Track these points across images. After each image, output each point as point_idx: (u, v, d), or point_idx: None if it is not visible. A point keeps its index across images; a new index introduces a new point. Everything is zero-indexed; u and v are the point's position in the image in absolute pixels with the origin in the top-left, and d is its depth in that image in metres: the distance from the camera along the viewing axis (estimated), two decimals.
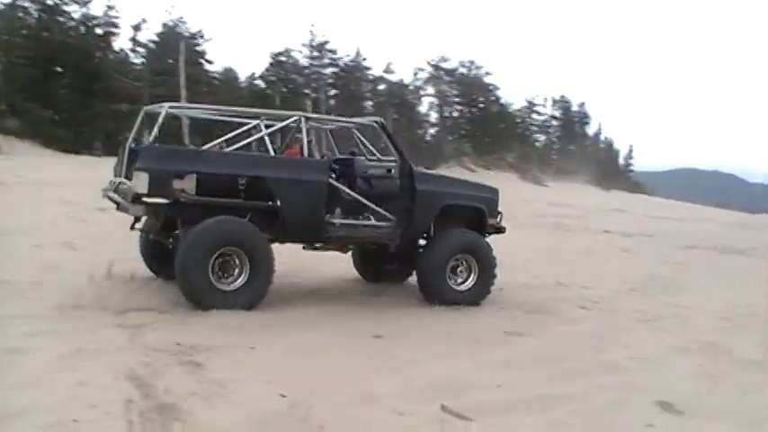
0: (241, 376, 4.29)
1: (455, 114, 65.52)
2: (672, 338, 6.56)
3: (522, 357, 5.42)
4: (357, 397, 4.15)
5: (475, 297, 7.27)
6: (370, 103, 55.04)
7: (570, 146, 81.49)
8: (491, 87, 66.40)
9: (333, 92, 53.07)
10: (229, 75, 41.75)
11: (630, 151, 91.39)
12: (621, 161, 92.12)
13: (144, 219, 6.79)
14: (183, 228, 6.12)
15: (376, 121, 7.25)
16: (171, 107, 6.89)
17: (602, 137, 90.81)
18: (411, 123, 60.14)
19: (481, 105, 65.35)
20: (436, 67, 62.65)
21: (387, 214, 6.91)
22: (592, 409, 4.31)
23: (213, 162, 6.43)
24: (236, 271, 6.13)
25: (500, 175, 55.84)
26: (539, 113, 78.78)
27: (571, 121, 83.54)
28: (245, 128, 6.96)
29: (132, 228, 6.97)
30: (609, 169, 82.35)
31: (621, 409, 4.40)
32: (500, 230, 7.82)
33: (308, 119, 7.02)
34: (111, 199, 6.60)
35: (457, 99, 64.93)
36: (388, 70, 58.36)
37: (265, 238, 6.27)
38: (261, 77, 45.09)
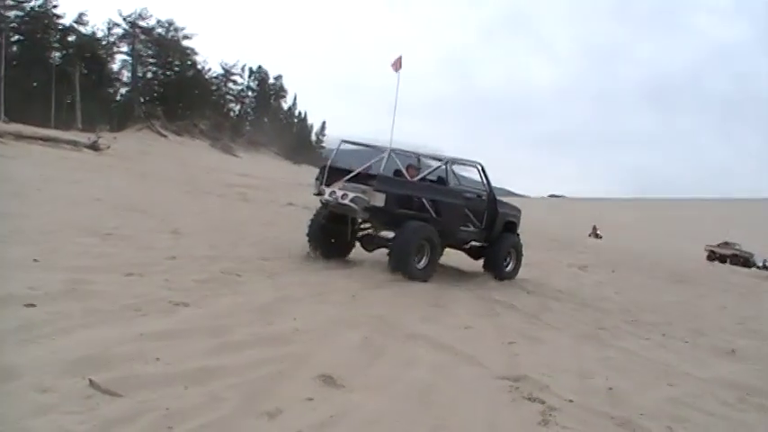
0: None
1: (149, 76, 63.70)
2: (340, 311, 6.75)
3: (187, 328, 5.13)
4: None
5: (514, 274, 11.51)
6: (57, 54, 51.06)
7: (264, 118, 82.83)
8: (188, 51, 65.27)
9: (16, 37, 48.01)
10: None
11: (323, 127, 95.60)
12: (314, 136, 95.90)
13: (318, 209, 10.46)
14: (393, 226, 9.74)
15: (480, 163, 11.11)
16: (344, 141, 10.90)
17: (296, 111, 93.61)
18: (101, 81, 57.57)
19: (177, 69, 64.12)
20: (132, 24, 60.26)
21: (479, 224, 10.93)
22: (252, 383, 4.20)
23: (412, 188, 10.03)
24: (424, 257, 9.68)
25: (191, 142, 54.92)
26: (235, 83, 79.04)
27: (267, 93, 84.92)
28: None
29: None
30: (300, 144, 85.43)
31: (282, 382, 4.34)
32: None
33: (453, 161, 10.80)
34: (336, 204, 9.78)
35: (152, 60, 63.25)
36: (80, 21, 54.99)
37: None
38: None
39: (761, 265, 38.49)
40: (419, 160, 11.11)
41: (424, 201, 9.93)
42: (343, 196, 9.67)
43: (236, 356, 4.66)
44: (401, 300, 7.96)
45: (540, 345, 6.79)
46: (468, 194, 10.98)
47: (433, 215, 9.96)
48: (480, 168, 11.08)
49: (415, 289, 8.77)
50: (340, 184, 9.86)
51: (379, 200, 9.39)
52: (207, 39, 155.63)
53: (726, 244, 41.30)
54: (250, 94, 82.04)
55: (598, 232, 45.42)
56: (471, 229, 10.86)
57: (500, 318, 7.93)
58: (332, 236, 10.44)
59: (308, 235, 10.41)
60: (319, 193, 10.18)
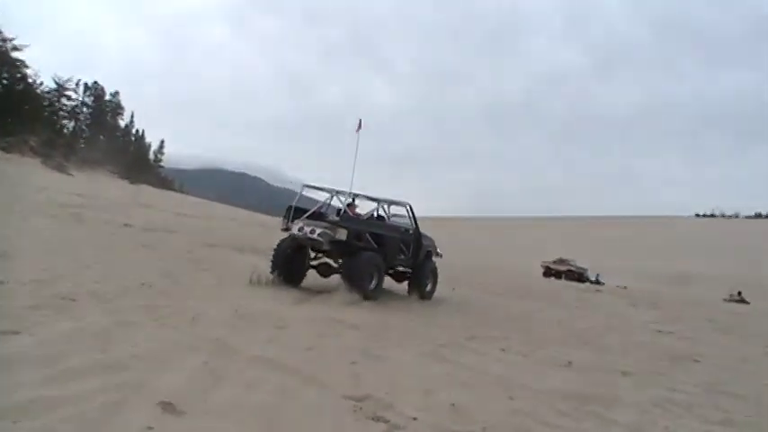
0: None
1: None
2: (180, 335, 6.67)
3: (17, 357, 4.91)
4: None
5: (432, 294, 14.21)
6: None
7: (100, 135, 79.71)
8: (18, 63, 61.36)
9: None
10: None
11: (162, 146, 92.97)
12: (152, 155, 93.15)
13: (283, 239, 12.56)
14: (347, 256, 11.96)
15: (408, 203, 13.46)
16: (305, 186, 13.13)
17: (133, 129, 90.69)
18: None
19: (5, 82, 60.08)
20: None
21: (408, 253, 13.40)
22: (88, 413, 4.09)
23: (365, 225, 12.55)
24: (374, 280, 11.95)
25: (20, 159, 51.59)
26: (69, 98, 75.26)
27: (103, 110, 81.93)
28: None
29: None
30: (138, 162, 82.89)
31: (121, 411, 4.26)
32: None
33: (389, 202, 13.59)
34: (305, 238, 11.76)
35: None
36: None
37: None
38: None
39: (593, 279, 41.20)
40: (354, 200, 13.20)
41: (372, 235, 12.33)
42: (312, 231, 11.72)
43: (71, 386, 4.51)
44: (242, 322, 7.94)
45: (383, 363, 6.98)
46: (402, 229, 13.56)
47: (378, 246, 12.32)
48: (408, 207, 13.57)
49: (255, 309, 8.78)
50: (302, 221, 12.06)
51: (342, 234, 11.69)
52: (40, 51, 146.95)
53: (561, 260, 43.89)
54: (85, 110, 78.72)
55: (438, 251, 46.95)
56: (403, 257, 13.37)
57: (342, 337, 8.07)
58: (293, 264, 12.45)
59: (272, 263, 12.40)
60: (287, 229, 12.35)
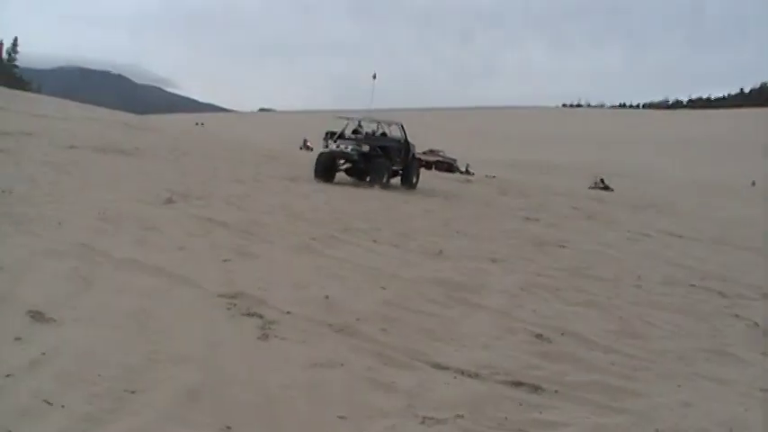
0: None
1: None
2: (44, 242, 6.54)
3: None
4: None
5: (416, 185, 20.55)
6: None
7: None
8: None
9: None
10: None
11: (15, 44, 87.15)
12: (5, 55, 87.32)
13: (320, 153, 19.52)
14: (369, 159, 18.58)
15: (401, 123, 20.67)
16: (338, 116, 21.19)
17: None
18: None
19: None
20: None
21: (402, 156, 19.94)
22: None
23: (378, 141, 19.60)
24: (386, 176, 18.89)
25: None
26: None
27: None
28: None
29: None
30: None
31: None
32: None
33: (387, 123, 21.07)
34: (341, 152, 18.78)
35: None
36: None
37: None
38: None
39: (463, 170, 42.38)
40: (360, 123, 20.38)
41: (381, 146, 19.28)
42: (345, 147, 18.73)
43: None
44: (108, 225, 7.84)
45: (255, 260, 7.13)
46: (398, 142, 20.24)
47: (385, 153, 19.15)
48: (401, 126, 20.61)
49: (121, 211, 8.63)
50: (339, 141, 18.93)
51: (365, 148, 18.70)
52: None
53: (431, 151, 44.68)
54: None
55: (309, 144, 46.60)
56: (399, 160, 19.89)
57: (213, 236, 8.12)
58: (328, 169, 18.88)
59: (315, 170, 18.77)
60: (327, 146, 19.10)
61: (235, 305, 5.29)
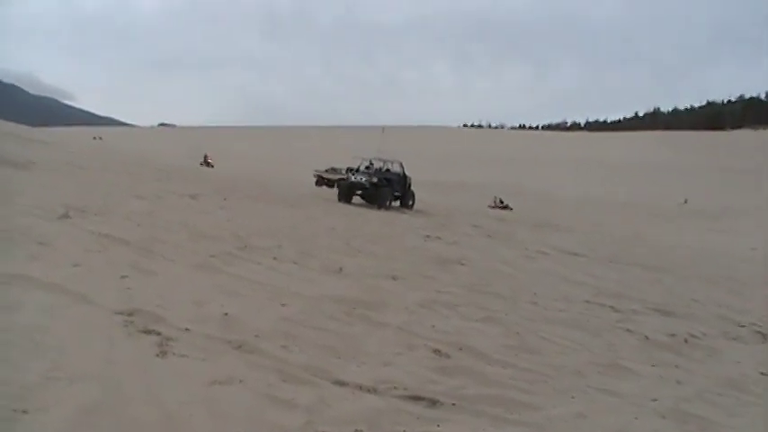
0: None
1: None
2: None
3: None
4: None
5: (413, 207, 27.48)
6: None
7: None
8: None
9: None
10: None
11: None
12: None
13: (341, 182, 27.42)
14: (377, 188, 25.17)
15: (400, 162, 27.67)
16: (354, 156, 29.82)
17: None
18: None
19: None
20: None
21: (401, 187, 26.68)
22: None
23: (384, 175, 26.36)
24: (390, 201, 25.75)
25: None
26: None
27: None
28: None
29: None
30: None
31: None
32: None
33: (391, 161, 28.25)
34: (357, 182, 25.63)
35: None
36: None
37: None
38: None
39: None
40: (371, 161, 27.45)
41: (386, 179, 25.23)
42: (361, 179, 25.00)
43: None
44: None
45: (153, 277, 7.05)
46: (399, 174, 26.42)
47: (389, 184, 25.12)
48: (401, 163, 27.09)
49: (13, 226, 8.35)
50: (357, 174, 25.72)
51: (375, 180, 24.71)
52: None
53: (333, 169, 44.96)
54: None
55: (209, 161, 46.47)
56: (398, 188, 25.95)
57: (111, 252, 7.96)
58: (348, 194, 25.33)
59: (338, 195, 25.82)
60: (347, 178, 25.99)
61: (132, 322, 5.26)
